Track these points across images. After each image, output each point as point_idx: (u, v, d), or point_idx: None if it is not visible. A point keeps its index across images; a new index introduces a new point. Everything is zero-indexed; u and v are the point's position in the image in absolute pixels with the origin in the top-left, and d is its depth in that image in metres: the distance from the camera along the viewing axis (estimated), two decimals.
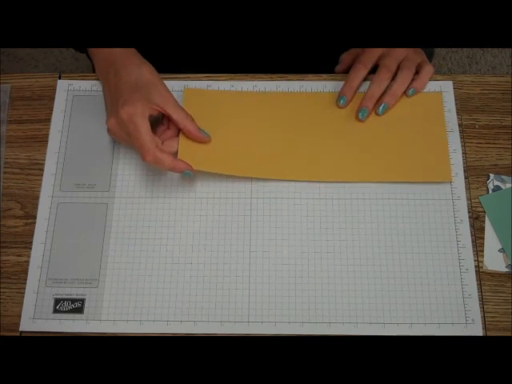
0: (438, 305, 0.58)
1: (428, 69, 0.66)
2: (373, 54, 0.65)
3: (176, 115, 0.59)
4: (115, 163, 0.64)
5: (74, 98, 0.67)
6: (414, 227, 0.61)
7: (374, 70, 0.66)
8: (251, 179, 0.63)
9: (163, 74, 0.63)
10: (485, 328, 0.57)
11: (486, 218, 0.61)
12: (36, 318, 0.58)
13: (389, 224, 0.61)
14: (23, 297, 0.59)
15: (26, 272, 0.60)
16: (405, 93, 0.65)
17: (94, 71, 0.68)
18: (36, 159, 0.65)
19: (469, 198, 0.62)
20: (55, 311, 0.58)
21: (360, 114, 0.64)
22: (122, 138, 0.59)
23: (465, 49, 1.45)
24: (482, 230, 0.61)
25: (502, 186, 0.62)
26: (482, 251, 0.60)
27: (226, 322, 0.57)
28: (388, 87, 0.64)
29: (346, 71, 0.67)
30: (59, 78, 0.69)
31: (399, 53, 0.65)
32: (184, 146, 0.61)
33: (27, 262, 0.60)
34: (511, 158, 0.64)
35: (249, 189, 0.63)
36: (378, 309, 0.58)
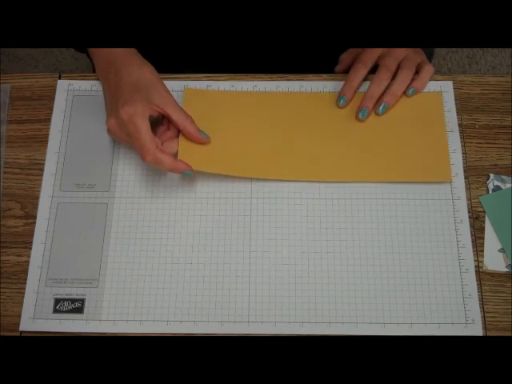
0: (437, 305, 0.58)
1: (428, 69, 0.66)
2: (373, 54, 0.65)
3: (176, 116, 0.59)
4: (115, 163, 0.64)
5: (74, 98, 0.67)
6: (414, 227, 0.61)
7: (373, 69, 0.66)
8: (251, 179, 0.63)
9: (163, 74, 0.63)
10: (485, 328, 0.57)
11: (486, 218, 0.61)
12: (36, 317, 0.58)
13: (389, 224, 0.61)
14: (23, 297, 0.59)
15: (26, 272, 0.60)
16: (405, 93, 0.65)
17: (94, 71, 0.68)
18: (36, 159, 0.65)
19: (469, 198, 0.62)
20: (55, 311, 0.58)
21: (360, 114, 0.64)
22: (122, 138, 0.59)
23: (465, 49, 1.45)
24: (482, 229, 0.61)
25: (502, 186, 0.62)
26: (482, 251, 0.60)
27: (226, 322, 0.57)
28: (388, 87, 0.64)
29: (346, 71, 0.67)
30: (59, 78, 0.69)
31: (399, 53, 0.65)
32: (184, 146, 0.61)
33: (27, 262, 0.60)
34: (511, 158, 0.64)
35: (249, 189, 0.63)
36: (377, 309, 0.58)
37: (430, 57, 0.78)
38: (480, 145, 0.65)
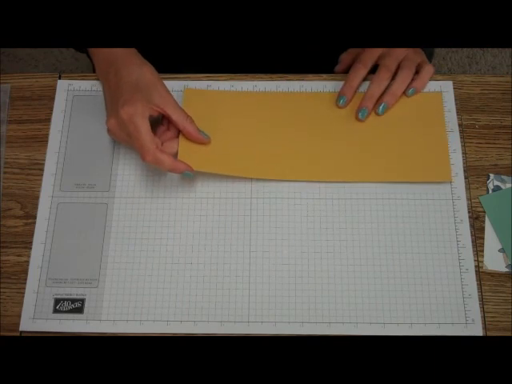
0: (437, 305, 0.58)
1: (428, 69, 0.66)
2: (373, 54, 0.65)
3: (176, 116, 0.59)
4: (115, 163, 0.64)
5: (74, 98, 0.67)
6: (414, 227, 0.61)
7: (373, 69, 0.66)
8: (251, 179, 0.63)
9: (163, 73, 0.63)
10: (485, 328, 0.57)
11: (486, 218, 0.61)
12: (36, 317, 0.58)
13: (389, 224, 0.61)
14: (23, 297, 0.59)
15: (26, 272, 0.60)
16: (404, 92, 0.65)
17: (94, 71, 0.68)
18: (36, 159, 0.65)
19: (469, 198, 0.62)
20: (55, 311, 0.58)
21: (360, 114, 0.64)
22: (122, 138, 0.59)
23: (465, 49, 1.45)
24: (482, 229, 0.61)
25: (502, 186, 0.62)
26: (482, 251, 0.60)
27: (226, 322, 0.57)
28: (388, 87, 0.64)
29: (346, 71, 0.67)
30: (59, 78, 0.69)
31: (399, 52, 0.65)
32: (184, 146, 0.61)
33: (27, 262, 0.60)
34: (511, 158, 0.64)
35: (249, 189, 0.63)
36: (377, 309, 0.58)
37: (430, 57, 0.78)
38: (480, 145, 0.65)
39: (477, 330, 0.57)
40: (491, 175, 0.63)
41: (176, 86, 0.67)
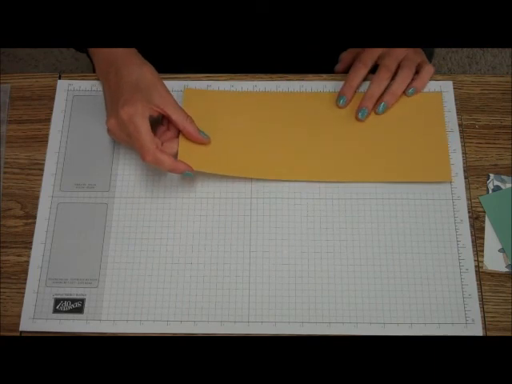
0: (437, 305, 0.58)
1: (428, 69, 0.66)
2: (373, 54, 0.65)
3: (175, 116, 0.59)
4: (115, 163, 0.64)
5: (74, 98, 0.67)
6: (414, 227, 0.61)
7: (373, 69, 0.66)
8: (251, 179, 0.63)
9: (163, 73, 0.63)
10: (485, 328, 0.57)
11: (486, 218, 0.61)
12: (36, 317, 0.58)
13: (389, 224, 0.61)
14: (23, 297, 0.59)
15: (26, 272, 0.60)
16: (404, 92, 0.65)
17: (94, 71, 0.68)
18: (36, 159, 0.65)
19: (469, 198, 0.62)
20: (55, 311, 0.58)
21: (360, 114, 0.64)
22: (122, 138, 0.59)
23: (465, 49, 1.45)
24: (482, 229, 0.61)
25: (502, 186, 0.62)
26: (482, 251, 0.60)
27: (226, 322, 0.57)
28: (388, 87, 0.64)
29: (346, 70, 0.67)
30: (59, 78, 0.69)
31: (399, 52, 0.65)
32: (184, 146, 0.61)
33: (27, 262, 0.60)
34: (511, 158, 0.64)
35: (249, 189, 0.63)
36: (377, 309, 0.58)
37: (430, 57, 0.78)
38: (480, 145, 0.65)
39: (477, 330, 0.57)
40: (491, 175, 0.63)
41: (176, 86, 0.67)
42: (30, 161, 0.65)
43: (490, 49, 1.44)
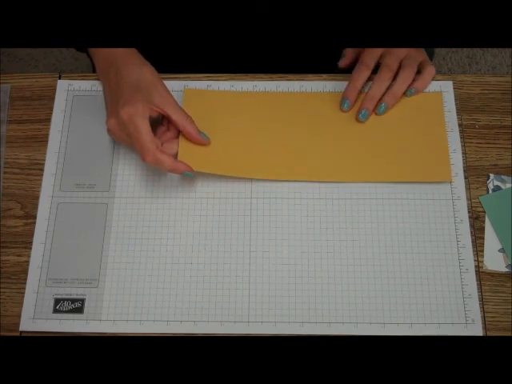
0: (437, 305, 0.58)
1: (430, 69, 0.65)
2: (374, 54, 0.65)
3: (176, 116, 0.59)
4: (115, 163, 0.64)
5: (74, 98, 0.67)
6: (414, 227, 0.61)
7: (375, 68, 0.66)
8: (251, 179, 0.63)
9: (163, 73, 0.63)
10: (485, 328, 0.57)
11: (486, 218, 0.61)
12: (36, 318, 0.58)
13: (389, 224, 0.61)
14: (23, 297, 0.59)
15: (26, 272, 0.60)
16: (405, 93, 0.65)
17: (94, 71, 0.68)
18: (36, 159, 0.65)
19: (469, 198, 0.62)
20: (55, 311, 0.58)
21: (360, 116, 0.64)
22: (122, 138, 0.59)
23: (465, 49, 1.45)
24: (482, 229, 0.61)
25: (502, 186, 0.62)
26: (482, 251, 0.60)
27: (226, 322, 0.57)
28: (389, 87, 0.64)
29: (349, 66, 0.67)
30: (59, 78, 0.69)
31: (401, 51, 0.64)
32: (184, 147, 0.61)
33: (27, 262, 0.60)
34: (511, 158, 0.64)
35: (249, 189, 0.63)
36: (377, 309, 0.58)
37: (430, 57, 0.78)
38: (480, 145, 0.65)
39: (477, 330, 0.57)
40: (491, 175, 0.63)
41: (176, 86, 0.67)
42: (29, 161, 0.65)
43: (490, 49, 1.44)
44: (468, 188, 0.62)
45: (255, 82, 0.68)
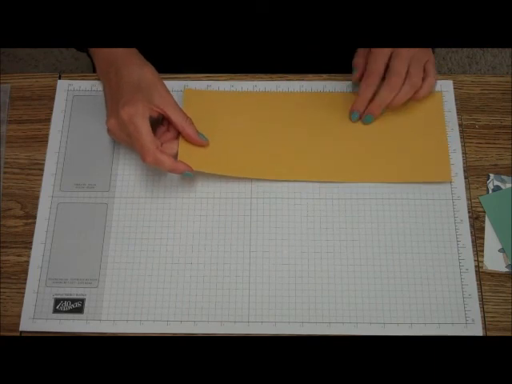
0: (437, 305, 0.58)
1: (430, 80, 0.64)
2: (381, 61, 0.62)
3: (174, 117, 0.59)
4: (115, 163, 0.64)
5: (74, 98, 0.67)
6: (414, 227, 0.61)
7: None
8: (251, 179, 0.63)
9: (163, 74, 0.63)
10: (485, 328, 0.57)
11: (486, 218, 0.61)
12: (36, 317, 0.58)
13: (389, 224, 0.61)
14: (23, 297, 0.59)
15: (26, 272, 0.60)
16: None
17: (94, 71, 0.68)
18: (36, 159, 0.65)
19: (469, 198, 0.62)
20: (55, 311, 0.58)
21: (364, 120, 0.64)
22: (122, 138, 0.59)
23: (465, 49, 1.45)
24: (482, 229, 0.61)
25: (502, 186, 0.62)
26: (482, 251, 0.60)
27: (226, 322, 0.57)
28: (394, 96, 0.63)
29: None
30: (59, 78, 0.69)
31: (408, 53, 0.62)
32: (184, 147, 0.61)
33: (27, 262, 0.60)
34: (511, 158, 0.64)
35: (249, 189, 0.63)
36: (377, 309, 0.58)
37: None
38: (480, 145, 0.65)
39: (477, 330, 0.57)
40: (491, 175, 0.63)
41: (176, 86, 0.67)
42: (29, 161, 0.65)
43: (490, 49, 1.44)
44: (468, 188, 0.63)
45: (255, 82, 0.68)
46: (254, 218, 0.61)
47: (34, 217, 0.62)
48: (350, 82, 0.67)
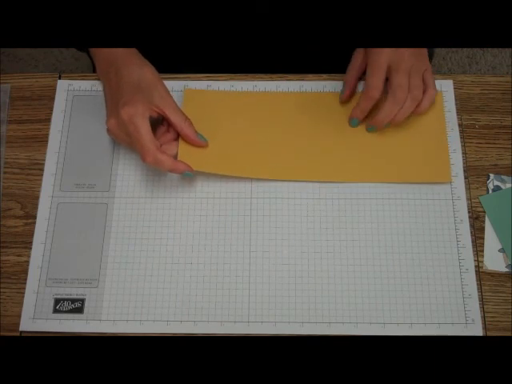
0: (437, 305, 0.58)
1: (430, 93, 0.63)
2: (380, 74, 0.61)
3: (173, 118, 0.59)
4: (115, 163, 0.64)
5: (74, 98, 0.67)
6: (414, 227, 0.61)
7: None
8: (251, 179, 0.63)
9: (163, 74, 0.63)
10: (485, 328, 0.57)
11: (486, 218, 0.61)
12: (36, 318, 0.58)
13: (389, 224, 0.61)
14: (23, 297, 0.59)
15: (26, 272, 0.60)
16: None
17: (94, 71, 0.68)
18: (36, 159, 0.65)
19: (469, 198, 0.62)
20: (55, 311, 0.58)
21: (368, 129, 0.63)
22: (122, 138, 0.59)
23: (465, 49, 1.45)
24: (482, 229, 0.61)
25: (502, 186, 0.62)
26: (482, 251, 0.60)
27: (226, 322, 0.57)
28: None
29: (353, 95, 0.66)
30: (59, 78, 0.69)
31: (406, 64, 0.61)
32: (184, 147, 0.61)
33: (27, 262, 0.60)
34: (511, 158, 0.64)
35: (249, 189, 0.63)
36: (377, 309, 0.58)
37: (430, 57, 0.78)
38: (480, 145, 0.65)
39: (477, 330, 0.57)
40: (491, 175, 0.63)
41: (176, 85, 0.67)
42: (30, 161, 0.65)
43: (490, 49, 1.44)
44: (468, 188, 0.63)
45: (255, 82, 0.68)
46: (254, 217, 0.62)
47: (34, 217, 0.62)
48: None
